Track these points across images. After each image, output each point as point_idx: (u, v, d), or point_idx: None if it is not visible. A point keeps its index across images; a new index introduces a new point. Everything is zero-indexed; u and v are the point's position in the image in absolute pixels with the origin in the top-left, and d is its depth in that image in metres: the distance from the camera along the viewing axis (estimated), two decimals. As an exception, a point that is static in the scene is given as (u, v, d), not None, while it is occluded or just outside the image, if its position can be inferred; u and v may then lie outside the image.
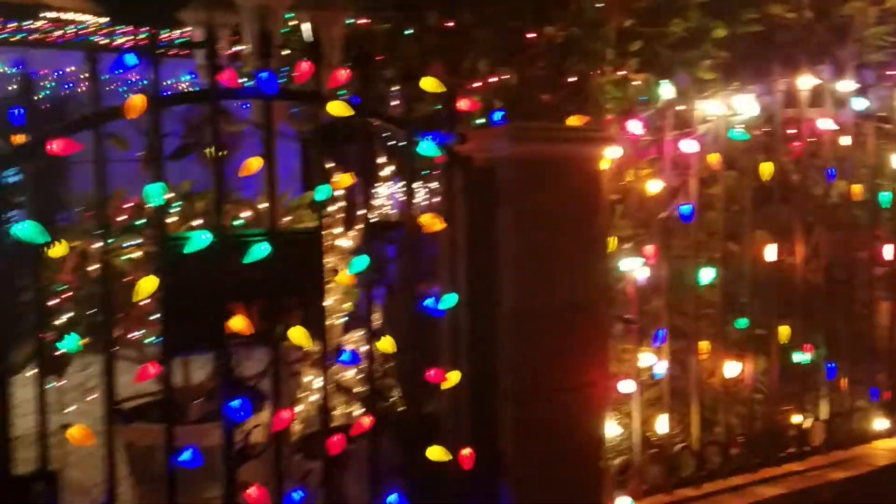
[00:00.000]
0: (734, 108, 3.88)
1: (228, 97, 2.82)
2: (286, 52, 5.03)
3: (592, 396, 3.28)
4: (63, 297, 3.69)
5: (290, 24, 5.08)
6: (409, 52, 5.14)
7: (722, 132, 3.86)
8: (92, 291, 3.70)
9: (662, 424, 3.74)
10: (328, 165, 3.88)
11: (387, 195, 7.05)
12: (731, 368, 3.90)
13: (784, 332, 4.03)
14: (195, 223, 3.95)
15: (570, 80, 4.59)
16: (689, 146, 3.73)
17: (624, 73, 4.41)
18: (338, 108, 2.80)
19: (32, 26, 11.16)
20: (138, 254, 3.81)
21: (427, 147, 2.96)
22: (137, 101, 2.45)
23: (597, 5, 4.58)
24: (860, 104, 4.26)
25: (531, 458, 3.15)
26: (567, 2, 4.65)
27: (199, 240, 2.61)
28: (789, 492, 3.85)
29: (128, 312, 3.62)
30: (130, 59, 2.49)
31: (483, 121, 3.85)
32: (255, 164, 2.71)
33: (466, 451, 3.05)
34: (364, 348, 3.12)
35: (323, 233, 3.01)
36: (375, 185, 6.45)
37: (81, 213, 4.03)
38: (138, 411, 3.86)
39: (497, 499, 3.13)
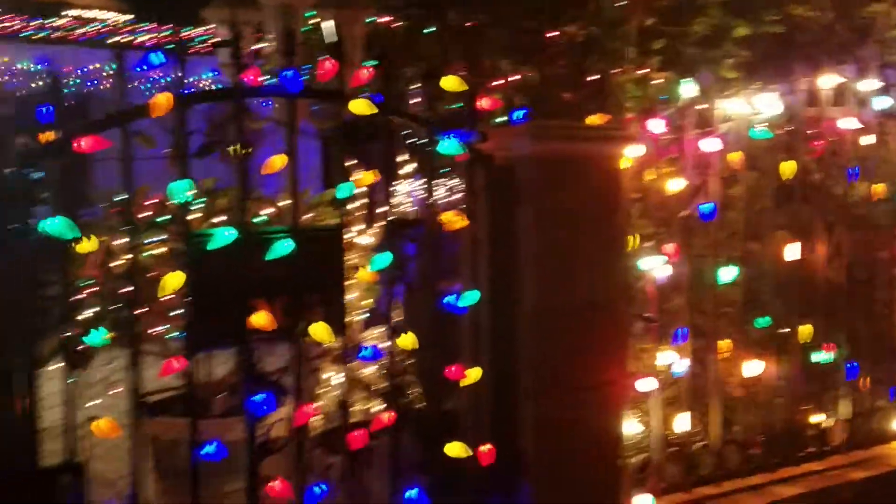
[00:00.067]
0: (756, 107, 3.88)
1: (253, 95, 2.84)
2: (308, 50, 5.05)
3: (612, 395, 3.29)
4: (88, 292, 3.72)
5: (311, 22, 5.11)
6: (430, 50, 5.15)
7: (743, 131, 3.85)
8: (116, 286, 3.73)
9: (682, 423, 3.74)
10: (349, 163, 3.89)
11: (407, 193, 7.05)
12: (752, 367, 3.90)
13: (805, 331, 4.03)
14: (217, 220, 3.98)
15: (590, 78, 4.59)
16: (710, 145, 3.73)
17: (646, 71, 4.41)
18: (360, 107, 2.82)
19: (56, 24, 11.23)
20: (162, 250, 3.84)
21: (448, 145, 2.97)
22: (163, 100, 2.47)
23: (617, 4, 4.58)
24: (882, 103, 4.24)
25: (550, 456, 3.16)
26: (586, 1, 4.65)
27: (223, 236, 2.64)
28: (808, 491, 3.85)
29: (152, 307, 3.64)
30: (157, 57, 2.52)
31: (504, 119, 3.85)
32: (278, 161, 2.74)
33: (486, 448, 3.07)
34: (385, 345, 3.14)
35: (344, 230, 3.03)
36: (396, 182, 6.46)
37: (106, 209, 4.06)
38: (163, 405, 3.89)
39: (516, 495, 3.14)
